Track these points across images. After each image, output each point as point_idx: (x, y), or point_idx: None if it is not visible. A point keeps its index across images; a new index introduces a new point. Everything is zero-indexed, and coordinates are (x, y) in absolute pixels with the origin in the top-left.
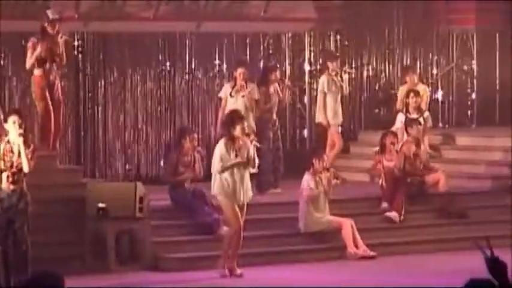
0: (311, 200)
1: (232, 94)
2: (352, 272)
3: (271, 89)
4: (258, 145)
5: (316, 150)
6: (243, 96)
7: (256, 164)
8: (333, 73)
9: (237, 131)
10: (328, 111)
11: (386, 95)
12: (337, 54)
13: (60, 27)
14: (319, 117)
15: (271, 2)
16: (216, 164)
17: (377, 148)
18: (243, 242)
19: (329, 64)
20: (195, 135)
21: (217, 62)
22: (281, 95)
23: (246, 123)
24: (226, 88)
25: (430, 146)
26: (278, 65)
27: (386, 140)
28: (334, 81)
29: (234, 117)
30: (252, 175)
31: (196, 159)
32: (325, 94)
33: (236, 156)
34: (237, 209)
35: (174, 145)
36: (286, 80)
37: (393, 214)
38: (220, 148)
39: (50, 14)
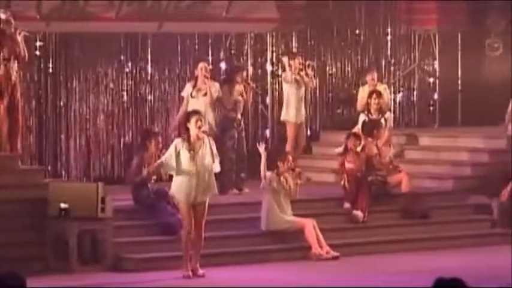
0: (274, 203)
1: (193, 94)
2: (316, 272)
3: (236, 89)
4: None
5: (281, 151)
6: (204, 94)
7: (217, 161)
8: (296, 71)
9: (193, 129)
10: (291, 109)
11: (348, 95)
12: (297, 52)
13: (18, 25)
14: (283, 115)
15: (234, 2)
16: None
17: (340, 148)
18: (206, 242)
19: (291, 63)
20: (160, 139)
21: (179, 62)
22: (245, 95)
23: (203, 121)
24: (188, 88)
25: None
26: (242, 66)
27: (349, 141)
28: (297, 80)
29: (190, 114)
30: (216, 176)
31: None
32: (288, 92)
33: (191, 154)
34: (191, 210)
35: (138, 146)
36: (249, 81)
37: (358, 213)
38: (170, 147)
39: (1, 14)
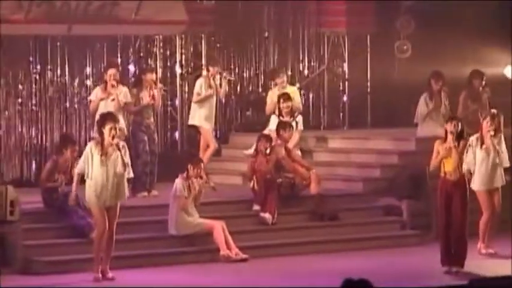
0: (182, 207)
1: (103, 97)
2: (224, 275)
3: (144, 92)
4: (122, 145)
5: (193, 157)
6: (113, 99)
7: (126, 165)
8: (211, 77)
9: (106, 134)
10: (203, 114)
11: (258, 97)
12: (218, 58)
13: None
14: (192, 120)
15: (143, 4)
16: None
17: (250, 151)
18: (116, 245)
19: (210, 68)
20: (76, 147)
21: (88, 64)
22: (155, 98)
23: (117, 128)
24: (97, 91)
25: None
26: (151, 68)
27: (259, 143)
28: (210, 85)
29: (106, 120)
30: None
31: (73, 166)
32: (200, 97)
33: (103, 159)
34: (104, 212)
35: (52, 151)
36: (158, 83)
37: (267, 215)
38: (84, 152)
39: None
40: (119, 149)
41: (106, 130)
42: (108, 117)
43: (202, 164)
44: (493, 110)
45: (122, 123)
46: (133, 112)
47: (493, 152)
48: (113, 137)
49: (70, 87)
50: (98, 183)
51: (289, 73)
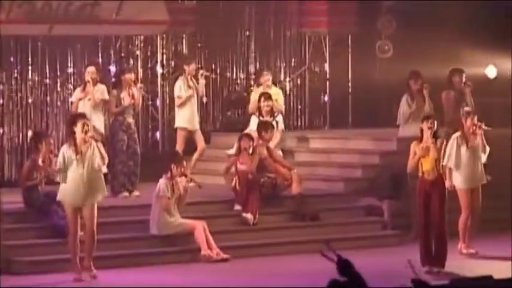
0: (165, 208)
1: (81, 97)
2: (205, 275)
3: (125, 92)
4: (99, 142)
5: (175, 156)
6: (89, 99)
7: (105, 161)
8: (189, 77)
9: (79, 133)
10: (186, 116)
11: (239, 97)
12: (191, 56)
13: None
14: (177, 122)
15: (124, 4)
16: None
17: (231, 151)
18: (97, 245)
19: (185, 67)
20: (51, 140)
21: (69, 65)
22: (135, 97)
23: (89, 125)
24: (77, 92)
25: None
26: (133, 69)
27: (242, 142)
28: (189, 86)
29: (75, 117)
30: (105, 176)
31: (52, 162)
32: (182, 100)
33: (77, 158)
34: (77, 212)
35: (29, 149)
36: (139, 83)
37: (249, 216)
38: (60, 152)
39: None
40: (95, 141)
41: (78, 127)
42: (78, 115)
43: (184, 162)
44: (467, 108)
45: (100, 121)
46: (116, 113)
47: (478, 150)
48: (86, 132)
49: (51, 87)
50: (74, 182)
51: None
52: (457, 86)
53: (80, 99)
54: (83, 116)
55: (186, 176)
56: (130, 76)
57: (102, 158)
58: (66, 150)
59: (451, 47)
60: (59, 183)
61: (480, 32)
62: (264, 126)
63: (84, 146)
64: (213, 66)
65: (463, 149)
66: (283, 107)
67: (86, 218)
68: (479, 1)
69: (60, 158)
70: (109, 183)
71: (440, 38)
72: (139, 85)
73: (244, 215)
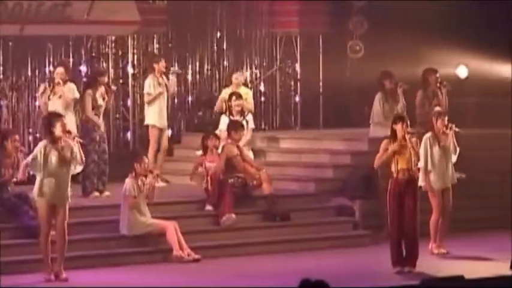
0: (133, 207)
1: (50, 97)
2: (177, 275)
3: (97, 92)
4: (81, 141)
5: (137, 154)
6: (60, 97)
7: (83, 161)
8: (158, 74)
9: (57, 131)
10: (156, 113)
11: (210, 97)
12: (161, 55)
13: None
14: (147, 119)
15: (95, 5)
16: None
17: (201, 151)
18: (68, 245)
19: (155, 65)
20: (17, 137)
21: (40, 64)
22: (106, 98)
23: (66, 125)
24: (46, 91)
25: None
26: (106, 69)
27: (208, 142)
28: (159, 83)
29: (52, 117)
30: (75, 177)
31: (19, 160)
32: (151, 96)
33: (54, 157)
34: (49, 212)
35: None
36: (111, 83)
37: (232, 217)
38: (36, 149)
39: None
40: (72, 146)
41: (57, 127)
42: (54, 115)
43: (146, 159)
44: (438, 108)
45: (71, 121)
46: (86, 111)
47: (449, 151)
48: (66, 132)
49: (22, 87)
50: (49, 181)
51: (243, 73)
52: (432, 85)
53: (49, 98)
54: (58, 115)
55: (151, 172)
56: (103, 77)
57: (81, 159)
58: (44, 148)
59: (422, 47)
60: (29, 184)
61: (450, 32)
62: (234, 126)
63: (61, 145)
64: (184, 66)
65: (434, 149)
66: (253, 106)
67: (58, 218)
68: (449, 1)
69: (37, 154)
70: (80, 183)
71: (411, 38)
72: (112, 87)
73: (226, 218)
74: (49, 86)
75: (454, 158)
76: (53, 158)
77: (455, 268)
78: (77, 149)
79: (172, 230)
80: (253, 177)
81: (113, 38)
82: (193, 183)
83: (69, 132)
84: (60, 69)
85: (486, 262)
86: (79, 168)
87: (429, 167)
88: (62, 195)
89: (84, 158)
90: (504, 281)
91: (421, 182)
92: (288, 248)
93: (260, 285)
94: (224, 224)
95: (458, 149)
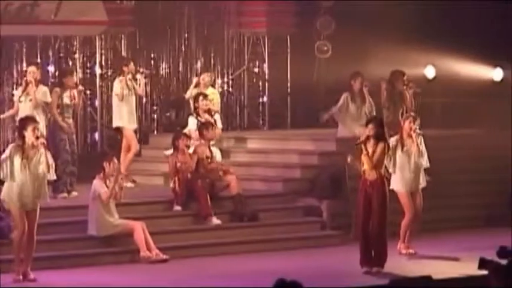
0: (102, 208)
1: (21, 99)
2: (144, 275)
3: (66, 93)
4: (45, 142)
5: (106, 154)
6: (30, 100)
7: (52, 170)
8: (128, 76)
9: (29, 137)
10: (124, 115)
11: (178, 98)
12: (129, 57)
13: None
14: (115, 121)
15: (62, 5)
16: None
17: (170, 151)
18: (36, 246)
19: (124, 68)
20: None
21: (7, 65)
22: (76, 99)
23: (39, 130)
24: (18, 92)
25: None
26: (73, 69)
27: (179, 141)
28: (128, 85)
29: (26, 121)
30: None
31: None
32: (119, 97)
33: (24, 162)
34: (24, 214)
35: None
36: (79, 84)
37: (214, 219)
38: (5, 152)
39: None
40: (45, 149)
41: (29, 132)
42: (28, 119)
43: (115, 159)
44: (412, 113)
45: (41, 122)
46: (55, 112)
47: (416, 153)
48: (37, 137)
49: None
50: (19, 186)
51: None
52: (399, 87)
53: (20, 99)
54: (33, 120)
55: (120, 172)
56: (71, 78)
57: (48, 165)
58: (14, 152)
59: (390, 48)
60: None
61: (419, 32)
62: (205, 126)
63: (32, 151)
64: (152, 66)
65: (398, 153)
66: (219, 106)
67: (28, 222)
68: (417, 1)
69: (5, 155)
70: (51, 183)
71: (379, 38)
72: (80, 87)
73: (213, 221)
74: (22, 87)
75: (423, 162)
76: (20, 163)
77: (423, 268)
78: (45, 156)
79: (139, 230)
80: (221, 178)
81: (81, 38)
82: (161, 184)
83: (36, 138)
84: (32, 68)
85: (455, 262)
86: (52, 176)
87: (394, 169)
88: (31, 199)
89: (52, 165)
90: (472, 281)
91: (392, 185)
92: (256, 249)
93: (229, 285)
94: (210, 224)
95: (425, 152)
